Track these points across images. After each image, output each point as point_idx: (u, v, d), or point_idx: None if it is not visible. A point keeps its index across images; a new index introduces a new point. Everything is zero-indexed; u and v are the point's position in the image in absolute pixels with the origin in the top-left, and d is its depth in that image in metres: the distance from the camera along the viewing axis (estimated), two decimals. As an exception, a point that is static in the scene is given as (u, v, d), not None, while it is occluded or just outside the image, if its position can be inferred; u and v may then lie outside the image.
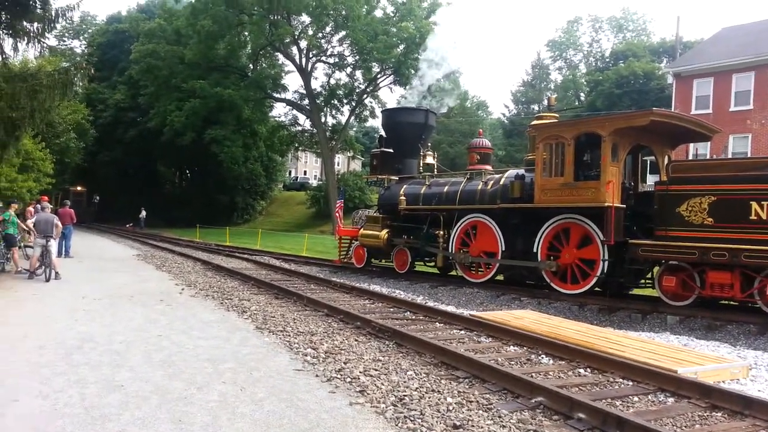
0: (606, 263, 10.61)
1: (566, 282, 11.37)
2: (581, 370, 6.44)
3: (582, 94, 58.41)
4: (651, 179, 16.92)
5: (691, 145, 21.97)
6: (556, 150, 11.22)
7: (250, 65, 45.74)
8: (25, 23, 16.30)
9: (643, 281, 11.63)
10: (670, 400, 5.49)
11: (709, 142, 18.49)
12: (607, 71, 49.01)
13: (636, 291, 12.10)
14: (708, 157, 23.61)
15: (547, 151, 11.36)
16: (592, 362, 6.55)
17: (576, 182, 10.91)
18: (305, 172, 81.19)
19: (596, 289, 11.23)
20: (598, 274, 10.74)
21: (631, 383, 5.93)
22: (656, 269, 10.58)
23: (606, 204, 10.21)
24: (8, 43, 16.46)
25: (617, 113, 12.65)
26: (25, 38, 16.33)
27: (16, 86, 14.98)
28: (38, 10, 16.30)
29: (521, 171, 13.00)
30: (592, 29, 62.99)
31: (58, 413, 4.56)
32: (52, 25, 17.16)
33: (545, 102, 19.22)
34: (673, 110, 21.71)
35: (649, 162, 19.27)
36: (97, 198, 54.98)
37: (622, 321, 9.97)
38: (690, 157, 23.31)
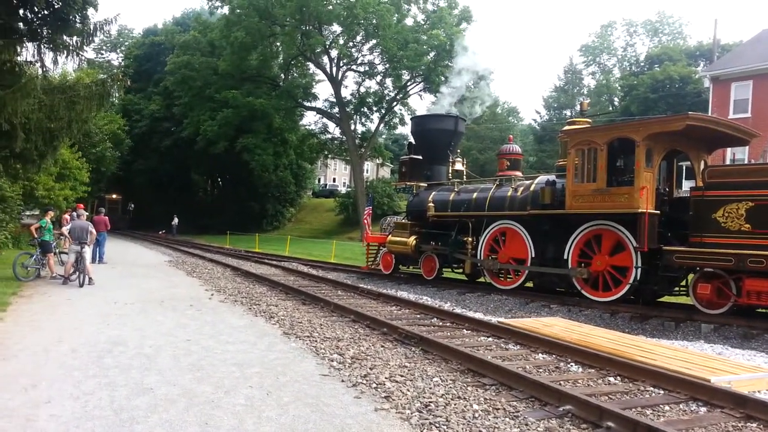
0: (639, 270, 10.39)
1: (598, 289, 11.16)
2: (611, 379, 6.30)
3: (616, 99, 57.54)
4: (686, 185, 16.53)
5: (729, 149, 21.42)
6: (588, 155, 11.06)
7: (282, 75, 46.39)
8: (65, 37, 16.80)
9: (677, 289, 11.35)
10: (703, 409, 5.33)
11: (747, 147, 17.99)
12: (641, 75, 48.20)
13: (669, 299, 11.82)
14: (746, 162, 22.97)
15: (579, 157, 11.20)
16: (623, 370, 6.40)
17: (609, 188, 10.73)
18: (334, 180, 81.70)
19: (629, 296, 10.99)
20: (631, 281, 10.52)
21: (662, 392, 5.78)
22: (690, 276, 10.32)
23: (640, 210, 10.01)
24: (49, 57, 16.97)
25: (652, 118, 12.42)
26: (65, 52, 16.82)
27: (55, 98, 15.39)
28: (78, 25, 16.78)
29: (552, 177, 12.84)
30: (626, 33, 62.14)
31: (89, 415, 4.65)
32: (90, 38, 17.64)
33: (578, 107, 18.99)
34: (710, 114, 21.21)
35: (684, 167, 18.85)
36: (132, 206, 56.18)
37: (654, 329, 9.73)
38: (727, 162, 22.72)
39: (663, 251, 9.99)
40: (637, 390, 5.89)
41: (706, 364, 6.57)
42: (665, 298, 11.84)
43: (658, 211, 10.43)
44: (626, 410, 4.85)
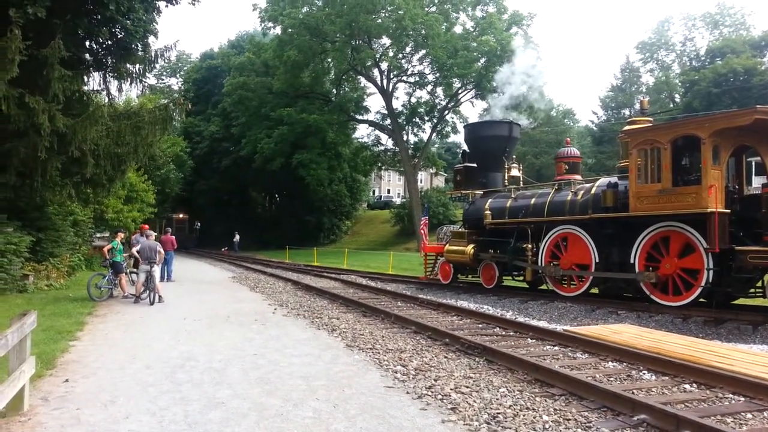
0: (711, 272, 9.96)
1: (667, 293, 10.76)
2: (687, 386, 6.04)
3: (676, 96, 55.58)
4: (757, 181, 15.74)
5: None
6: (651, 155, 10.73)
7: (334, 90, 47.11)
8: (128, 65, 17.63)
9: (752, 290, 10.80)
10: (790, 418, 5.04)
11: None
12: (703, 70, 46.44)
13: (744, 301, 11.26)
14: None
15: (642, 157, 10.89)
16: (699, 377, 6.14)
17: (674, 188, 10.38)
18: (388, 191, 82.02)
19: (701, 300, 10.54)
20: (703, 284, 10.09)
21: (743, 399, 5.52)
22: (766, 277, 9.81)
23: (709, 209, 9.63)
24: (114, 85, 17.87)
25: (717, 113, 11.93)
26: (129, 79, 17.66)
27: (121, 124, 16.15)
28: (140, 53, 17.60)
29: (613, 179, 12.52)
30: (684, 27, 59.98)
31: (165, 430, 4.80)
32: (152, 65, 18.48)
33: (637, 106, 18.45)
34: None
35: (754, 163, 18.00)
36: (198, 224, 57.67)
37: (730, 333, 9.29)
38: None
39: (735, 251, 9.57)
40: (715, 397, 5.64)
41: (790, 369, 6.22)
42: (740, 301, 11.30)
43: (729, 210, 10.00)
44: (705, 418, 4.65)
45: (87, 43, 17.58)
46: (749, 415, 5.10)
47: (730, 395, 5.65)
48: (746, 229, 10.22)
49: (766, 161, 10.85)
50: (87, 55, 17.80)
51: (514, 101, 20.20)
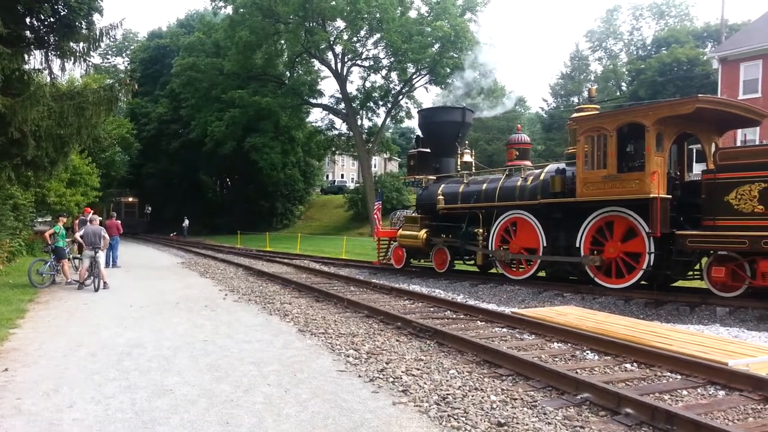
0: (652, 256, 10.35)
1: (611, 276, 11.14)
2: (628, 365, 6.29)
3: (623, 84, 57.11)
4: (698, 168, 16.38)
5: (739, 131, 21.22)
6: (598, 142, 11.02)
7: (287, 73, 46.41)
8: (71, 44, 16.88)
9: (690, 273, 11.30)
10: (721, 393, 5.32)
11: (758, 128, 17.83)
12: (649, 59, 47.80)
13: (683, 283, 11.76)
14: (758, 142, 22.73)
15: (589, 144, 11.16)
16: (639, 357, 6.40)
17: (619, 174, 10.69)
18: (342, 176, 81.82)
19: (642, 282, 10.96)
20: (644, 267, 10.48)
21: (679, 377, 5.78)
22: (704, 260, 10.27)
23: (651, 195, 9.98)
24: (56, 64, 17.06)
25: (661, 102, 12.33)
26: (72, 58, 16.90)
27: (64, 104, 15.48)
28: (84, 31, 16.85)
29: (562, 165, 12.80)
30: (632, 17, 61.46)
31: (111, 418, 4.70)
32: (96, 44, 17.71)
33: (585, 94, 18.87)
34: (719, 96, 21.00)
35: (695, 150, 18.71)
36: (149, 209, 55.70)
37: (669, 314, 9.70)
38: (738, 144, 22.49)
39: (676, 236, 9.96)
40: (654, 376, 5.88)
41: (723, 347, 6.55)
42: (679, 283, 11.80)
43: (670, 196, 10.38)
44: (644, 396, 4.85)
45: (27, 20, 16.73)
46: (685, 392, 5.35)
47: (668, 373, 5.90)
48: (686, 214, 10.63)
49: (706, 149, 11.29)
50: (27, 33, 16.95)
51: (467, 88, 20.39)
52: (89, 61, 17.44)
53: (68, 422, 4.62)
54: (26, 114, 13.89)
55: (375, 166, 60.73)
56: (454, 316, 9.64)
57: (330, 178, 79.45)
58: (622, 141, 11.02)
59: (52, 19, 16.52)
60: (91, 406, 5.00)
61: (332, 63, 43.20)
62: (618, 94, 54.15)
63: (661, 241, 10.34)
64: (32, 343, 7.43)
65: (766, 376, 5.44)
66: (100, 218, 15.59)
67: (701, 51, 44.67)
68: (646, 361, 6.28)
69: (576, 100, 56.56)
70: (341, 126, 48.68)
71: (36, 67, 17.16)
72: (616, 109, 15.63)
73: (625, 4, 73.98)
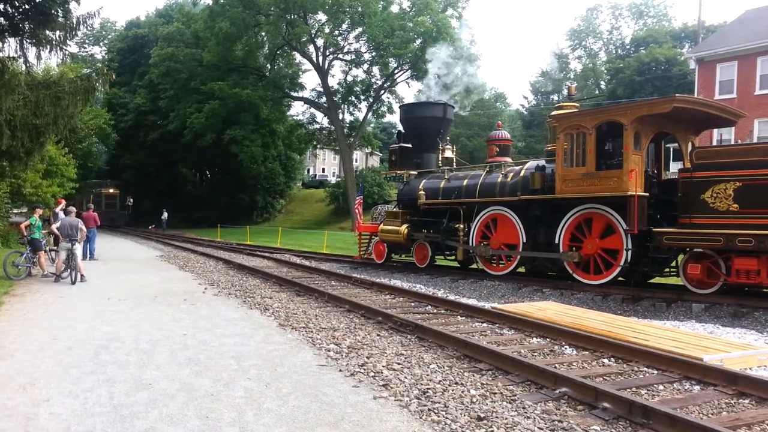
0: (629, 252, 10.50)
1: (589, 272, 11.27)
2: (605, 360, 6.39)
3: (602, 83, 57.65)
4: (674, 166, 16.63)
5: (715, 130, 21.58)
6: (577, 140, 11.12)
7: (268, 65, 46.05)
8: (47, 32, 16.55)
9: (667, 270, 11.48)
10: (696, 388, 5.43)
11: (733, 128, 18.14)
12: (627, 59, 48.33)
13: (660, 280, 11.95)
14: (733, 142, 23.16)
15: (568, 141, 11.26)
16: (617, 352, 6.50)
17: (598, 172, 10.80)
18: (323, 170, 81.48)
19: (620, 278, 11.11)
20: (622, 263, 10.63)
21: (656, 372, 5.88)
22: (680, 257, 10.44)
23: (629, 193, 10.10)
24: (32, 52, 16.71)
25: (639, 101, 12.47)
26: (48, 46, 16.58)
27: (40, 94, 15.22)
28: (60, 19, 16.53)
29: (542, 162, 12.90)
30: (612, 16, 62.00)
31: (89, 412, 4.65)
32: (73, 32, 17.39)
33: (565, 92, 19.02)
34: (696, 96, 21.34)
35: (672, 149, 18.98)
36: (131, 200, 54.42)
37: (646, 310, 9.85)
38: (714, 143, 22.89)
39: (653, 233, 10.09)
40: (631, 371, 5.98)
41: (698, 343, 6.68)
42: (656, 280, 11.97)
43: (647, 194, 10.52)
44: (621, 391, 4.93)
45: (2, 7, 16.38)
46: (661, 387, 5.45)
47: (645, 368, 6.01)
48: (663, 211, 10.78)
49: (683, 147, 11.47)
50: (2, 20, 16.60)
51: (448, 83, 20.41)
52: (66, 49, 17.12)
53: (45, 416, 4.56)
54: (1, 103, 13.63)
55: (356, 161, 60.58)
56: (435, 311, 9.69)
57: (311, 172, 79.13)
58: (601, 139, 11.14)
59: (27, 6, 16.18)
60: (68, 400, 4.94)
61: (314, 56, 42.99)
62: (597, 92, 54.66)
63: (639, 238, 10.48)
64: (7, 336, 7.31)
65: (740, 371, 5.56)
66: (76, 210, 15.34)
67: (679, 51, 45.28)
68: (624, 356, 6.38)
69: (556, 97, 57.03)
70: (322, 120, 48.55)
71: (11, 55, 16.80)
72: (596, 108, 15.80)
73: (605, 3, 74.68)
